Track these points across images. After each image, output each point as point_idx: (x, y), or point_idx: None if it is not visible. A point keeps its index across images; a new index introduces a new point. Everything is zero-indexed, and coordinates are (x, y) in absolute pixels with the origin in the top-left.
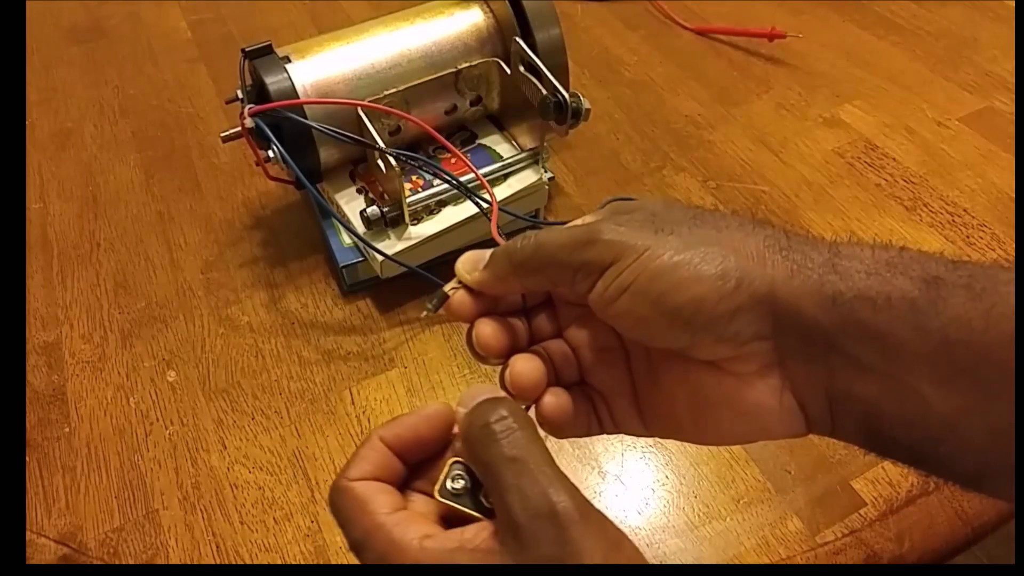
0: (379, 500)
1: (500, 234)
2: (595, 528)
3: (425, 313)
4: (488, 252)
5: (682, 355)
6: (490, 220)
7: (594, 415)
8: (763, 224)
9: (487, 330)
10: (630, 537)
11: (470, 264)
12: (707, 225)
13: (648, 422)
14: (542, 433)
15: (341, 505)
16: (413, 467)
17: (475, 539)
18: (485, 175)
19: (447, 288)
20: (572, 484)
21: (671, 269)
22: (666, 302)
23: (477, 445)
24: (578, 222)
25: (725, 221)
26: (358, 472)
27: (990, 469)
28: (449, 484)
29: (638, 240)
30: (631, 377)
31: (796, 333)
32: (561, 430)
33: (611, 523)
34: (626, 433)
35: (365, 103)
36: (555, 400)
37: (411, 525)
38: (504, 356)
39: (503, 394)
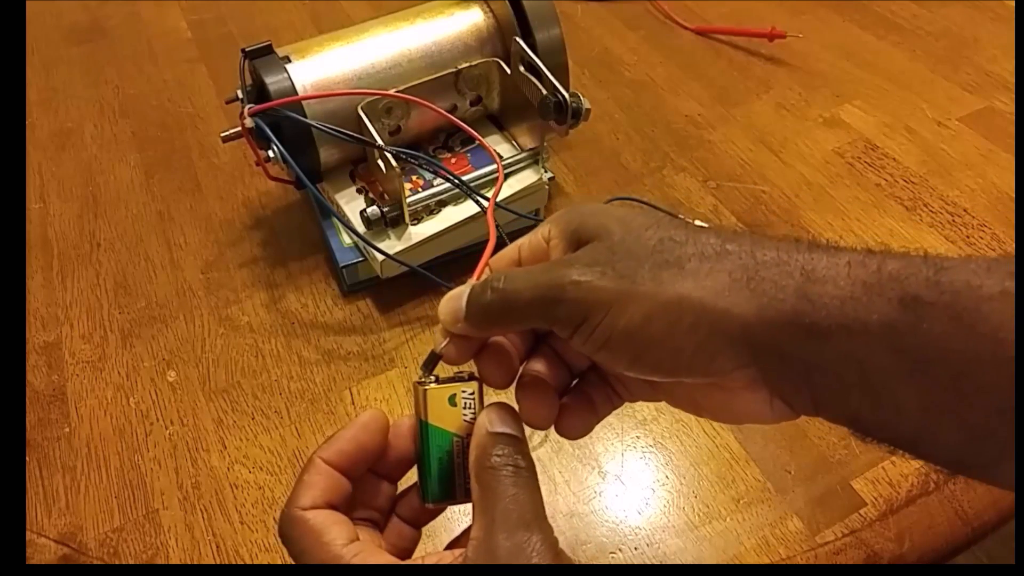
0: (335, 531)
1: (498, 230)
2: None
3: (432, 380)
4: (465, 295)
5: None
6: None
7: (614, 393)
8: (728, 247)
9: (488, 371)
10: (630, 537)
11: (451, 316)
12: (671, 263)
13: (660, 395)
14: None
15: (294, 536)
16: (357, 487)
17: (438, 565)
18: (485, 175)
19: (439, 348)
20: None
21: (642, 326)
22: (644, 356)
23: (485, 469)
24: (540, 235)
25: (687, 250)
26: (308, 500)
27: (967, 461)
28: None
29: (602, 295)
30: None
31: (775, 359)
32: (583, 434)
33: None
34: (643, 400)
35: (366, 91)
36: (571, 421)
37: (369, 556)
38: (511, 380)
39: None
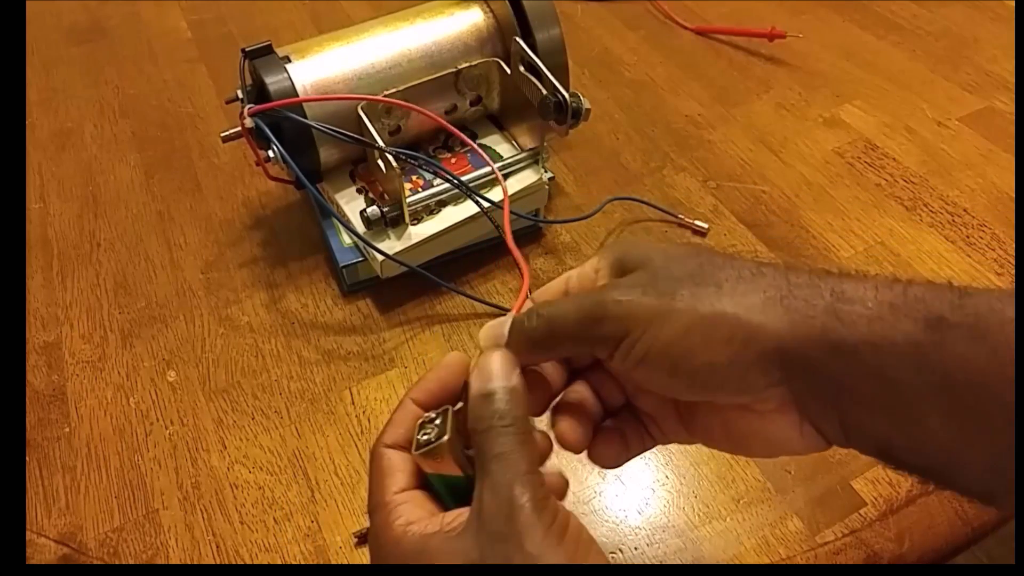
0: (395, 477)
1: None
2: (547, 523)
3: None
4: (507, 323)
5: None
6: (491, 222)
7: (647, 433)
8: (763, 270)
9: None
10: (630, 537)
11: (492, 340)
12: (708, 283)
13: (693, 435)
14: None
15: (371, 470)
16: None
17: (453, 522)
18: (486, 175)
19: None
20: (541, 485)
21: (680, 339)
22: (680, 369)
23: (477, 431)
24: (590, 267)
25: (725, 273)
26: (392, 437)
27: (996, 491)
28: (420, 437)
29: (644, 311)
30: (674, 399)
31: (805, 378)
32: (614, 465)
33: (575, 525)
34: (676, 443)
35: (367, 96)
36: (603, 449)
37: (407, 510)
38: (544, 408)
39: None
